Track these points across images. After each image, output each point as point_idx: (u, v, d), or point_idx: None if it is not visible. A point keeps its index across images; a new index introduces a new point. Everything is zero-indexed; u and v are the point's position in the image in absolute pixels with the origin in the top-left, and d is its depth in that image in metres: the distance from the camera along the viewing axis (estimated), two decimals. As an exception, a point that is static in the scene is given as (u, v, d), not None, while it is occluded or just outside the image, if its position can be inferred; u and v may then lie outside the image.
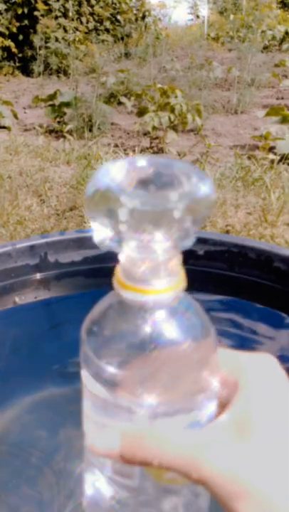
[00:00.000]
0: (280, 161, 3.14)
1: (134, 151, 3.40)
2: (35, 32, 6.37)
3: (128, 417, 0.28)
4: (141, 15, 7.14)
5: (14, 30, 6.43)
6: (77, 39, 6.52)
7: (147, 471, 0.29)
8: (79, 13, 6.70)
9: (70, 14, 6.59)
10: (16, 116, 4.22)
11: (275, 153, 3.24)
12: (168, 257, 0.27)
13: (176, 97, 3.95)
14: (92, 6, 6.82)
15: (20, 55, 6.44)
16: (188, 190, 0.25)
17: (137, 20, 7.08)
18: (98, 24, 6.93)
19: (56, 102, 4.16)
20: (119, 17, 6.94)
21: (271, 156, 3.22)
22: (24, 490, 0.51)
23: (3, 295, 0.89)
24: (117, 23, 6.99)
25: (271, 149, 3.33)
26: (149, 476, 0.29)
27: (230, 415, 0.27)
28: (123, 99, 4.54)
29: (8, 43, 6.38)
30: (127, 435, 0.28)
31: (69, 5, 6.57)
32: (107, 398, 0.28)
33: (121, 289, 0.27)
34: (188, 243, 0.27)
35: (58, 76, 5.91)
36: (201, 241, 0.97)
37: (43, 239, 0.98)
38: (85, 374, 0.29)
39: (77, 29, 6.66)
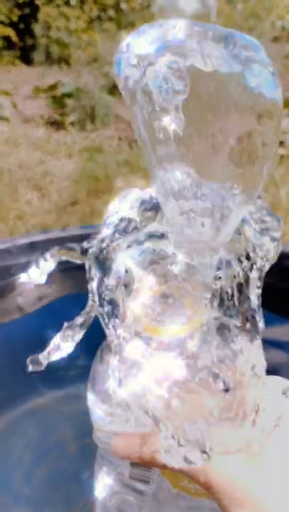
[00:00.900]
0: (290, 155, 3.07)
1: (138, 144, 3.32)
2: (36, 21, 6.32)
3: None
4: (146, 3, 7.09)
5: (15, 18, 6.37)
6: (79, 28, 6.46)
7: (164, 476, 0.30)
8: (82, 1, 6.63)
9: (73, 2, 6.51)
10: (15, 106, 4.16)
11: (285, 148, 3.16)
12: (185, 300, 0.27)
13: (182, 88, 3.87)
14: (95, -5, 6.77)
15: (20, 44, 6.39)
16: None
17: (141, 8, 7.02)
18: (102, 12, 6.87)
19: (57, 93, 4.12)
20: (123, 5, 6.88)
21: (281, 150, 3.13)
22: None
23: (4, 293, 0.89)
24: (121, 12, 6.93)
25: (281, 144, 3.24)
26: (165, 483, 0.30)
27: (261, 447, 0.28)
28: (127, 90, 4.45)
29: (9, 31, 6.33)
30: (147, 437, 0.29)
31: (71, -7, 6.51)
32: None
33: (145, 331, 0.28)
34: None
35: (60, 66, 5.84)
36: None
37: (44, 235, 0.95)
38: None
39: (79, 18, 6.59)
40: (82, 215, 2.37)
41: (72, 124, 3.79)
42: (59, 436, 0.61)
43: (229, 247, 0.27)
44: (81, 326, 0.30)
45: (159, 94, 0.25)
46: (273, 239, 0.28)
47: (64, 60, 5.93)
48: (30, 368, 0.30)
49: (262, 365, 0.29)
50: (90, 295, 0.30)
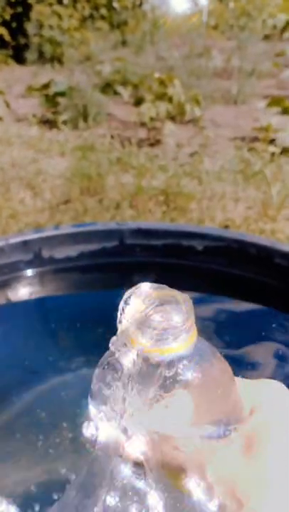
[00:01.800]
0: (281, 153, 3.08)
1: (130, 142, 3.32)
2: (29, 19, 6.27)
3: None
4: (138, 2, 7.05)
5: (7, 17, 6.32)
6: (72, 27, 6.42)
7: (166, 477, 0.31)
8: (74, 0, 6.59)
9: (65, 1, 6.48)
10: (8, 105, 4.14)
11: (276, 146, 3.17)
12: (183, 318, 0.30)
13: (174, 86, 3.86)
14: (87, -7, 6.72)
15: (13, 43, 6.34)
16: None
17: (133, 7, 6.99)
18: (94, 11, 6.83)
19: (50, 92, 4.10)
20: (115, 4, 6.84)
21: (272, 148, 3.15)
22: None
23: None
24: (113, 10, 6.90)
25: (272, 141, 3.26)
26: (168, 482, 0.31)
27: (241, 432, 0.30)
28: (119, 89, 4.45)
29: (1, 30, 6.29)
30: (151, 442, 0.30)
31: (64, -9, 6.46)
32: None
33: (143, 352, 0.30)
34: None
35: (52, 65, 5.81)
36: (199, 236, 0.94)
37: (37, 233, 0.95)
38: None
39: (72, 16, 6.55)
40: (75, 214, 2.37)
41: (65, 122, 3.78)
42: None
43: None
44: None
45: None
46: None
47: (57, 59, 5.90)
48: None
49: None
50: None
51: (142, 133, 3.59)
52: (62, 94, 3.97)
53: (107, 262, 0.99)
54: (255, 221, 2.33)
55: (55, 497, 0.56)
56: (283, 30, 6.93)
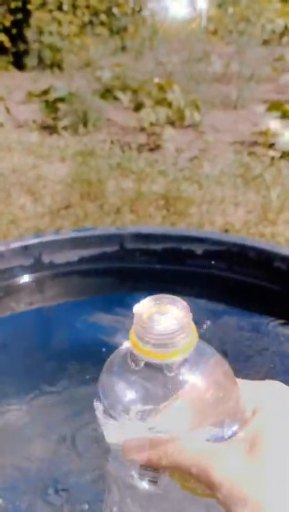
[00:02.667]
0: (280, 157, 3.09)
1: (130, 147, 3.33)
2: (28, 26, 6.29)
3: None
4: (137, 8, 7.07)
5: (7, 24, 6.34)
6: (72, 33, 6.44)
7: (172, 477, 0.32)
8: (74, 6, 6.61)
9: (65, 7, 6.50)
10: (8, 111, 4.15)
11: (276, 150, 3.18)
12: (182, 324, 0.31)
13: (173, 92, 3.88)
14: (87, -1, 6.75)
15: (13, 49, 6.36)
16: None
17: (133, 13, 7.01)
18: (94, 17, 6.85)
19: (50, 98, 4.11)
20: (115, 10, 6.87)
21: (271, 152, 3.15)
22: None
23: None
24: (112, 16, 6.92)
25: (271, 146, 3.27)
26: (175, 484, 0.32)
27: (244, 433, 0.31)
28: (119, 94, 4.46)
29: (1, 37, 6.30)
30: (156, 439, 0.31)
31: (64, -2, 6.49)
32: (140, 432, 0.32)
33: (140, 354, 0.31)
34: None
35: (52, 70, 5.83)
36: (199, 240, 0.94)
37: (38, 238, 0.95)
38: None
39: (71, 22, 6.57)
40: (75, 219, 2.37)
41: (65, 128, 3.79)
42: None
43: None
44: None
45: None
46: None
47: (56, 65, 5.92)
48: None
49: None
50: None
51: (142, 138, 3.60)
52: (62, 99, 3.98)
53: (108, 267, 0.99)
54: (255, 225, 2.33)
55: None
56: (282, 35, 6.96)
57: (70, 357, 0.79)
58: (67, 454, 0.62)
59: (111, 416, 0.32)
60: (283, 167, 2.94)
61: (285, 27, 6.96)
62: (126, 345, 0.33)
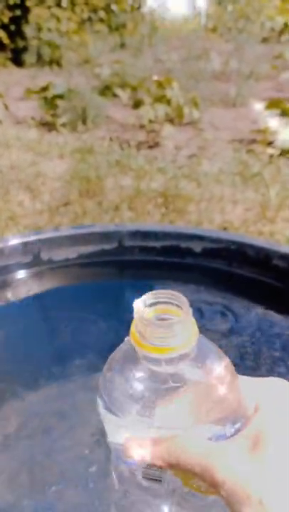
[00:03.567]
0: (279, 155, 3.09)
1: (129, 144, 3.33)
2: (27, 22, 6.28)
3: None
4: (136, 4, 7.06)
5: (6, 20, 6.32)
6: (70, 29, 6.43)
7: (176, 476, 0.32)
8: (73, 3, 6.59)
9: (64, 4, 6.48)
10: (7, 108, 4.15)
11: (274, 148, 3.18)
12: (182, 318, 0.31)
13: (172, 89, 3.87)
14: (86, -4, 6.72)
15: (12, 45, 6.34)
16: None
17: (132, 10, 6.99)
18: (92, 14, 6.84)
19: (49, 94, 4.10)
20: (114, 7, 6.85)
21: (270, 150, 3.15)
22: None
23: None
24: (111, 13, 6.90)
25: (270, 144, 3.26)
26: (178, 481, 0.32)
27: (247, 431, 0.30)
28: (118, 91, 4.45)
29: (0, 33, 6.28)
30: (158, 439, 0.31)
31: (62, -6, 6.46)
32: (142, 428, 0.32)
33: (140, 349, 0.31)
34: None
35: (51, 67, 5.81)
36: (198, 238, 0.94)
37: (37, 235, 0.95)
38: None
39: (70, 19, 6.55)
40: (74, 216, 2.37)
41: (64, 125, 3.78)
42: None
43: None
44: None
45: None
46: None
47: (55, 62, 5.91)
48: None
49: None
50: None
51: (141, 135, 3.59)
52: (61, 96, 3.97)
53: (106, 264, 0.99)
54: (254, 223, 2.33)
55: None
56: (281, 32, 6.95)
57: (71, 352, 0.79)
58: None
59: (112, 412, 0.32)
60: (282, 165, 2.94)
61: (285, 24, 6.95)
62: (127, 341, 0.33)
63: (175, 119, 3.84)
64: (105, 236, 0.99)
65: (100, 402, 0.33)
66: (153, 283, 0.99)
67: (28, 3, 6.29)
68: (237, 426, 0.32)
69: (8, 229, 2.27)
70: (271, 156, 3.07)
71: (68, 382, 0.73)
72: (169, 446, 0.31)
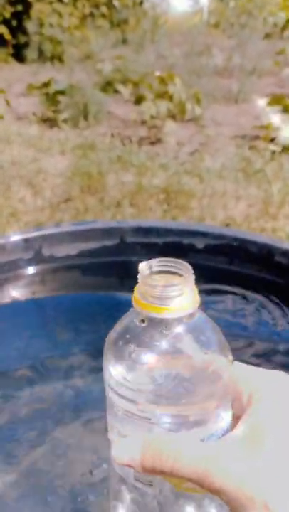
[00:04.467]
0: (281, 152, 3.07)
1: (131, 141, 3.32)
2: (29, 17, 6.25)
3: (148, 429, 0.31)
4: (138, 0, 7.03)
5: (7, 15, 6.30)
6: (72, 25, 6.40)
7: (167, 479, 0.31)
8: (74, -2, 6.57)
9: (65, -1, 6.46)
10: (8, 104, 4.14)
11: (277, 144, 3.17)
12: (182, 280, 0.31)
13: (174, 85, 3.86)
14: (87, -9, 6.70)
15: (13, 41, 6.31)
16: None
17: (134, 5, 6.97)
18: (94, 9, 6.81)
19: (50, 90, 4.09)
20: (115, 2, 6.82)
21: (273, 146, 3.14)
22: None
23: None
24: (113, 9, 6.88)
25: (273, 140, 3.25)
26: (169, 484, 0.32)
27: (242, 429, 0.29)
28: (120, 87, 4.44)
29: (1, 29, 6.26)
30: (147, 446, 0.30)
31: (64, -10, 6.44)
32: (128, 409, 0.31)
33: (139, 308, 0.31)
34: None
35: (53, 63, 5.80)
36: (200, 234, 0.94)
37: (38, 232, 0.95)
38: (107, 387, 0.32)
39: (72, 14, 6.53)
40: (75, 212, 2.36)
41: (65, 121, 3.77)
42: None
43: None
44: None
45: None
46: None
47: (57, 57, 5.89)
48: None
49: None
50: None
51: (143, 131, 3.58)
52: (62, 92, 3.96)
53: (108, 260, 0.98)
54: (256, 219, 2.32)
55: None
56: (284, 28, 6.91)
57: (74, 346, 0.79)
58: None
59: (110, 386, 0.32)
60: (285, 161, 2.93)
61: (287, 20, 6.91)
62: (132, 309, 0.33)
63: (177, 115, 3.83)
64: (107, 232, 0.99)
65: (103, 375, 0.33)
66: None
67: (30, -1, 6.27)
68: (226, 416, 0.32)
69: (9, 225, 2.27)
70: (274, 152, 3.06)
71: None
72: (161, 454, 0.29)
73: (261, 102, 4.11)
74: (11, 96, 4.44)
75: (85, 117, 3.77)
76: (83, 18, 6.67)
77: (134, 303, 0.32)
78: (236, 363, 0.33)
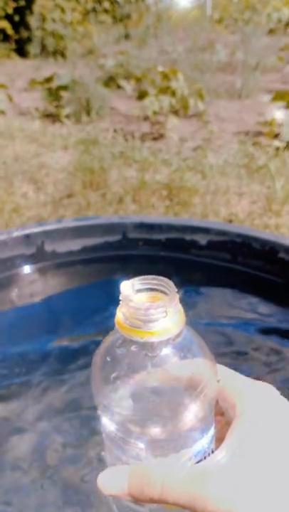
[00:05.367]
0: (285, 148, 3.06)
1: (133, 136, 3.31)
2: (31, 13, 6.25)
3: (135, 454, 0.30)
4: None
5: (10, 11, 6.29)
6: (75, 20, 6.39)
7: (158, 504, 0.30)
8: (77, -7, 6.55)
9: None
10: (11, 99, 4.13)
11: (280, 140, 3.15)
12: (166, 303, 0.29)
13: (177, 80, 3.84)
14: (90, -14, 6.68)
15: (16, 36, 6.31)
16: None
17: (137, 0, 6.95)
18: (97, 4, 6.80)
19: (53, 85, 4.09)
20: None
21: (276, 143, 3.13)
22: None
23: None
24: (116, 4, 6.87)
25: (276, 136, 3.24)
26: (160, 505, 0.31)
27: (227, 449, 0.29)
28: (122, 83, 4.43)
29: (4, 24, 6.25)
30: (134, 474, 0.29)
31: (67, -15, 6.43)
32: (116, 433, 0.30)
33: (123, 332, 0.30)
34: None
35: (55, 58, 5.79)
36: (203, 230, 0.93)
37: (40, 227, 0.95)
38: (98, 410, 0.32)
39: (74, 10, 6.52)
40: (78, 208, 2.36)
41: (68, 116, 3.77)
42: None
43: None
44: None
45: None
46: None
47: (59, 53, 5.89)
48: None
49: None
50: None
51: (145, 127, 3.57)
52: (65, 87, 3.95)
53: (110, 256, 0.98)
54: (260, 216, 2.31)
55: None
56: (288, 24, 6.89)
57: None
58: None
59: (99, 410, 0.31)
60: (288, 158, 2.92)
61: (291, 16, 6.90)
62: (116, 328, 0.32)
63: (180, 110, 3.82)
64: (109, 228, 0.98)
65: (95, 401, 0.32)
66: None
67: (32, -6, 6.26)
68: (210, 431, 0.31)
69: (11, 221, 2.26)
70: (277, 148, 3.05)
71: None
72: (148, 482, 0.29)
73: (265, 98, 4.10)
74: (14, 91, 4.44)
75: (88, 112, 3.76)
76: (86, 13, 6.66)
77: (116, 325, 0.30)
78: (223, 368, 0.33)
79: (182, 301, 0.31)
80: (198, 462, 0.31)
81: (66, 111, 3.77)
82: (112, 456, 0.32)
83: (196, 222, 1.05)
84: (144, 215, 2.17)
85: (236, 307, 0.89)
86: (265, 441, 0.29)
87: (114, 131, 3.48)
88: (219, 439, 0.31)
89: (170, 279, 0.31)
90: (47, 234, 0.96)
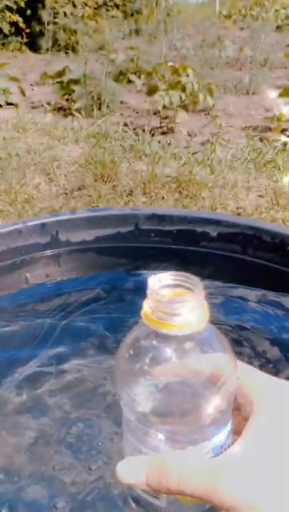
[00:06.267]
0: (292, 143, 3.09)
1: (143, 130, 3.35)
2: (43, 7, 6.25)
3: (154, 445, 0.31)
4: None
5: (22, 4, 6.30)
6: (86, 14, 6.40)
7: (174, 497, 0.32)
8: (88, -12, 6.56)
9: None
10: (23, 93, 4.17)
11: (288, 135, 3.19)
12: (191, 296, 0.31)
13: (187, 75, 3.88)
14: (101, -19, 6.68)
15: (28, 30, 6.32)
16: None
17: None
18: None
19: (65, 79, 4.11)
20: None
21: (284, 138, 3.16)
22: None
23: (15, 272, 0.90)
24: (127, -1, 6.87)
25: (283, 131, 3.27)
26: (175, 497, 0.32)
27: (244, 443, 0.29)
28: (133, 77, 4.46)
29: (16, 17, 6.27)
30: (152, 464, 0.30)
31: (78, -21, 6.43)
32: (137, 423, 0.31)
33: (148, 323, 0.31)
34: None
35: (66, 52, 5.82)
36: (213, 222, 0.94)
37: (55, 217, 0.96)
38: (120, 400, 0.33)
39: (86, 4, 6.53)
40: (89, 200, 2.40)
41: (79, 110, 3.80)
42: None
43: None
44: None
45: None
46: None
47: (71, 47, 5.91)
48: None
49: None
50: None
51: (155, 121, 3.61)
52: (76, 81, 3.98)
53: (122, 247, 0.99)
54: (267, 209, 2.35)
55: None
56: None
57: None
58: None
59: (122, 400, 0.33)
60: (295, 153, 2.95)
61: (300, 12, 6.87)
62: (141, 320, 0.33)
63: (189, 105, 3.85)
64: (122, 219, 0.99)
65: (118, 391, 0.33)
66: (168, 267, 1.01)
67: (44, -12, 6.26)
68: (229, 424, 0.32)
69: (24, 211, 2.31)
70: (285, 143, 3.08)
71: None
72: (165, 472, 0.30)
73: (273, 94, 4.12)
74: (26, 85, 4.47)
75: (99, 107, 3.80)
76: (97, 8, 6.66)
77: (143, 317, 0.31)
78: (243, 365, 0.33)
79: (207, 298, 0.31)
80: (215, 456, 0.31)
81: (77, 105, 3.81)
82: (131, 447, 0.33)
83: (206, 214, 1.04)
84: (155, 207, 2.21)
85: (244, 299, 0.88)
86: (282, 436, 0.29)
87: (125, 125, 3.52)
88: (236, 434, 0.32)
89: (179, 271, 0.33)
90: (61, 224, 0.95)
